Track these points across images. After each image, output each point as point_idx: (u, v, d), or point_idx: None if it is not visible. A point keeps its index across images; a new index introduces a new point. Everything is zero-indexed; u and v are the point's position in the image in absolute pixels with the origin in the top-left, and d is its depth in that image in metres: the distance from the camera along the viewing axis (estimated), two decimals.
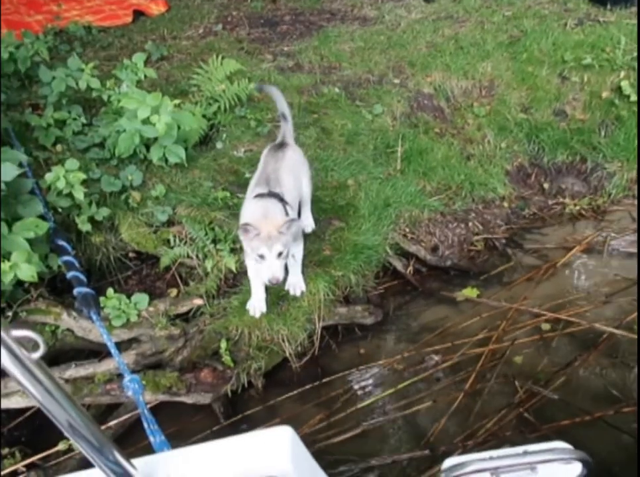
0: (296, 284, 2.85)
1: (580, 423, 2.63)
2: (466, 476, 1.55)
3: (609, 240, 3.77)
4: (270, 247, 2.40)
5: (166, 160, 3.33)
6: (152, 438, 1.44)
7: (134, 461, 1.07)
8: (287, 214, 2.61)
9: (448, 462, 1.60)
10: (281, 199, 2.66)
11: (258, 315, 2.78)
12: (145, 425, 1.48)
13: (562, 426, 2.59)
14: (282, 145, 3.03)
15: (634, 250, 3.70)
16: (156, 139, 3.25)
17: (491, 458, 1.56)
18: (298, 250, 2.82)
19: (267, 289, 2.82)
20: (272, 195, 2.65)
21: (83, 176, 2.82)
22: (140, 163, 3.38)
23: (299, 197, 3.04)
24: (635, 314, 3.15)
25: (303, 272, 2.90)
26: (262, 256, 2.42)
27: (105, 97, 3.62)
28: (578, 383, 2.88)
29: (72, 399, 0.90)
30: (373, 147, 3.89)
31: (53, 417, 0.89)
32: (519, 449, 1.58)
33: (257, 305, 2.80)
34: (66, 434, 0.93)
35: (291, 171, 2.91)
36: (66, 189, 2.79)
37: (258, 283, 2.77)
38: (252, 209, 2.60)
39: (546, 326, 3.19)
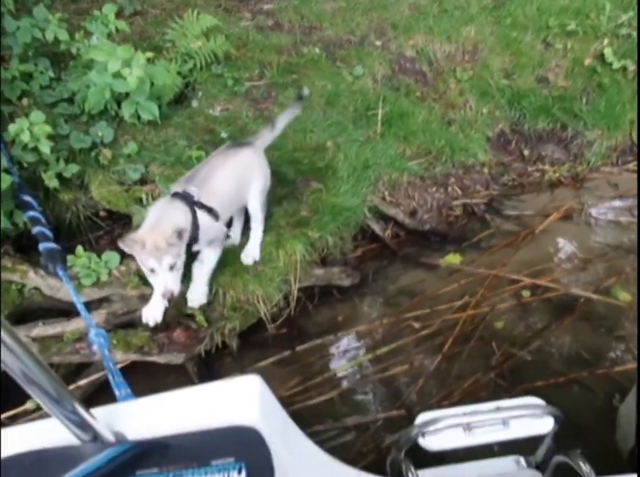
0: (195, 300, 2.60)
1: (554, 384, 2.66)
2: (439, 431, 1.55)
3: (587, 207, 3.78)
4: (159, 260, 2.21)
5: (139, 117, 3.21)
6: (117, 392, 1.39)
7: (95, 411, 1.02)
8: (195, 220, 2.40)
9: (421, 418, 1.59)
10: (194, 203, 2.43)
11: (152, 324, 2.55)
12: (110, 378, 1.43)
13: (536, 387, 2.61)
14: (243, 144, 2.81)
15: (611, 217, 3.72)
16: (127, 94, 3.13)
17: (464, 414, 1.56)
18: (209, 257, 2.58)
19: None
20: (184, 196, 2.43)
21: (48, 129, 2.69)
22: (111, 119, 3.25)
23: (240, 208, 2.81)
24: (613, 278, 3.19)
25: (210, 283, 2.65)
26: (152, 270, 2.25)
27: (73, 50, 3.45)
28: (554, 347, 2.90)
29: (25, 347, 0.84)
30: (354, 109, 3.80)
31: (5, 365, 0.83)
32: (492, 405, 1.58)
33: (153, 314, 2.55)
34: (20, 383, 0.87)
35: (235, 175, 2.65)
36: (31, 142, 2.67)
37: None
38: (149, 214, 2.39)
39: (524, 293, 3.19)
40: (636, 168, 4.07)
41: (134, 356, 2.56)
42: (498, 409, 1.54)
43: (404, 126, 3.80)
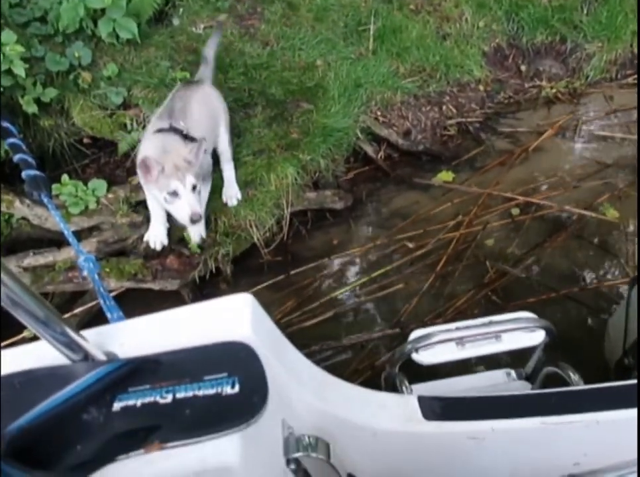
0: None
1: (547, 300, 2.70)
2: (432, 345, 1.57)
3: (581, 123, 3.70)
4: (182, 180, 2.12)
5: (117, 37, 3.04)
6: (108, 315, 1.38)
7: (86, 332, 1.00)
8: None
9: (415, 334, 1.60)
10: (186, 136, 2.34)
11: (159, 247, 2.56)
12: (101, 302, 1.42)
13: (529, 303, 2.65)
14: (197, 82, 2.71)
15: (606, 133, 3.66)
16: (103, 11, 2.94)
17: (457, 328, 1.58)
18: (204, 194, 2.51)
19: (169, 217, 2.54)
20: (174, 130, 2.32)
21: (21, 49, 2.55)
22: (88, 39, 3.08)
23: (214, 146, 2.70)
24: (606, 196, 3.17)
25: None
26: (174, 193, 2.14)
27: None
28: (546, 263, 2.92)
29: (7, 270, 0.81)
30: (344, 24, 3.62)
31: None
32: (485, 320, 1.59)
33: (158, 236, 2.55)
34: (5, 307, 0.85)
35: (205, 107, 2.57)
36: (4, 64, 2.53)
37: (158, 212, 2.52)
38: (149, 146, 2.28)
39: (517, 211, 3.18)
40: (635, 82, 3.95)
41: (127, 284, 2.56)
42: (490, 323, 1.56)
43: (397, 42, 3.64)
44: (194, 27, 3.39)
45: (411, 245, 3.01)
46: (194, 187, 2.17)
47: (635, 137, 3.59)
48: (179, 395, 0.86)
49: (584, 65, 3.97)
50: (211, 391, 0.86)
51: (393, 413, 1.25)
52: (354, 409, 1.22)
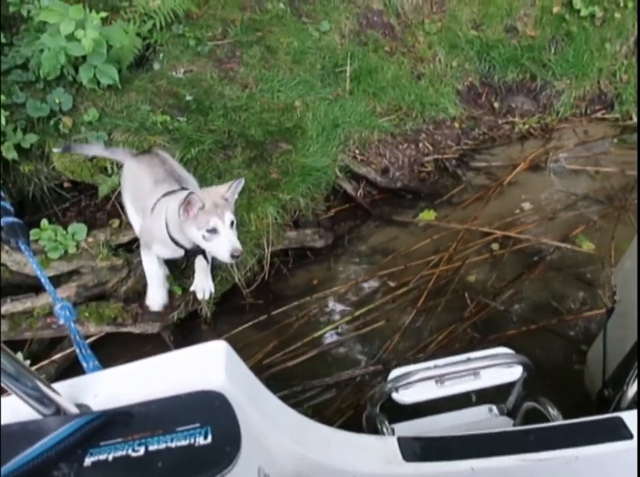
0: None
1: (526, 332, 2.72)
2: (412, 384, 1.58)
3: (553, 157, 3.81)
4: (222, 216, 2.09)
5: (98, 82, 3.09)
6: (84, 364, 1.37)
7: (59, 384, 1.00)
8: None
9: (394, 373, 1.61)
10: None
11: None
12: (77, 351, 1.41)
13: (508, 336, 2.68)
14: (150, 150, 2.64)
15: (578, 166, 3.77)
16: (84, 58, 3.00)
17: (435, 367, 1.59)
18: None
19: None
20: (185, 190, 2.27)
21: (2, 98, 2.57)
22: (69, 85, 3.12)
23: None
24: (581, 228, 3.25)
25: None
26: (214, 230, 2.10)
27: (24, 13, 3.28)
28: (525, 296, 2.96)
29: None
30: (321, 66, 3.72)
31: None
32: (463, 356, 1.61)
33: (159, 300, 2.54)
34: None
35: (190, 176, 2.56)
36: None
37: (157, 274, 2.50)
38: (175, 202, 2.17)
39: (495, 245, 3.23)
40: (604, 117, 4.10)
41: (107, 328, 2.54)
42: (468, 360, 1.57)
43: (373, 82, 3.75)
44: (174, 71, 3.45)
45: (392, 283, 3.03)
46: (232, 223, 2.16)
47: (606, 170, 3.70)
48: (152, 448, 0.86)
49: (554, 101, 4.11)
50: (184, 443, 0.86)
51: (373, 455, 1.25)
52: (333, 452, 1.21)
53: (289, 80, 3.53)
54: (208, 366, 1.01)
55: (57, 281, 2.56)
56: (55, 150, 2.84)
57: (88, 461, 0.84)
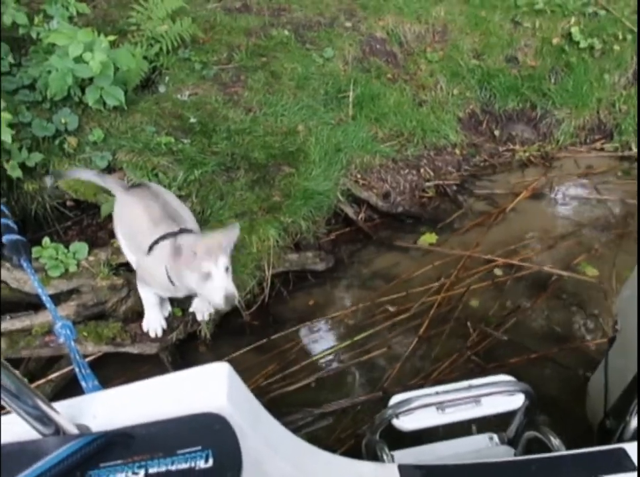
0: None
1: (528, 361, 2.70)
2: (412, 411, 1.56)
3: (554, 185, 3.83)
4: (216, 261, 2.07)
5: (104, 103, 3.13)
6: (84, 384, 1.36)
7: (59, 404, 0.99)
8: None
9: (395, 399, 1.60)
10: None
11: (160, 333, 2.57)
12: (77, 370, 1.40)
13: (511, 364, 2.66)
14: (144, 183, 2.61)
15: (578, 194, 3.81)
16: (91, 80, 3.04)
17: (436, 393, 1.57)
18: None
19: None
20: (186, 231, 2.28)
21: (9, 117, 2.61)
22: (75, 106, 3.16)
23: None
24: (583, 256, 3.26)
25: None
26: (207, 275, 2.09)
27: (33, 35, 3.33)
28: (527, 324, 2.94)
29: None
30: (324, 92, 3.77)
31: None
32: (464, 383, 1.60)
33: (157, 324, 2.58)
34: None
35: (185, 209, 2.55)
36: None
37: (152, 301, 2.52)
38: (171, 247, 2.20)
39: (498, 272, 3.22)
40: (603, 146, 4.14)
41: (106, 348, 2.52)
42: (470, 387, 1.56)
43: (375, 108, 3.79)
44: (179, 94, 3.50)
45: (392, 309, 3.01)
46: (227, 269, 2.13)
47: (606, 197, 3.72)
48: (152, 471, 0.85)
49: (554, 130, 4.15)
50: (184, 466, 0.85)
51: None
52: None
53: (293, 105, 3.57)
54: (210, 387, 1.01)
55: (56, 299, 2.54)
56: (47, 179, 2.91)
57: None
